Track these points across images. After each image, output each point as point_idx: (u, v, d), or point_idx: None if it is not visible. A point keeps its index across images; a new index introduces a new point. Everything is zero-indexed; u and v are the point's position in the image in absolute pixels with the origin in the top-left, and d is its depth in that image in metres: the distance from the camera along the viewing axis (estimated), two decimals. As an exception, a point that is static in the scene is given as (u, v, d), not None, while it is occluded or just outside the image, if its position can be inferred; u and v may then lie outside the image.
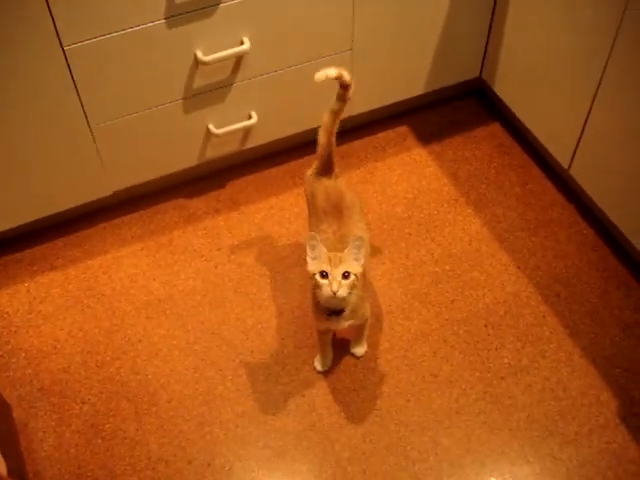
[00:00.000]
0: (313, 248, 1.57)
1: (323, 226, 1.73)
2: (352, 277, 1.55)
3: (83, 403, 1.88)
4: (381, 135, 2.45)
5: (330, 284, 1.54)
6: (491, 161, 2.37)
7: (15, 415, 1.86)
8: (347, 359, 1.93)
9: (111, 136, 2.01)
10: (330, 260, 1.54)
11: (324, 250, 1.56)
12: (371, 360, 1.93)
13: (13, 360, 1.96)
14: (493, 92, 2.41)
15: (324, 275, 1.55)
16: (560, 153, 2.15)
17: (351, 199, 1.78)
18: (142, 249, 2.19)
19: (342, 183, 1.81)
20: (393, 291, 2.05)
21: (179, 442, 1.80)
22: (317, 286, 1.57)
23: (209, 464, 1.77)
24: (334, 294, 1.54)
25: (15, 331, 2.02)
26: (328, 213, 1.74)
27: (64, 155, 1.99)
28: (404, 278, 2.08)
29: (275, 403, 1.86)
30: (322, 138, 1.76)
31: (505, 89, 2.35)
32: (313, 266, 1.57)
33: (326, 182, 1.79)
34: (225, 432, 1.82)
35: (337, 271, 1.53)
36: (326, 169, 1.80)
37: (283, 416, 1.84)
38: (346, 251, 1.56)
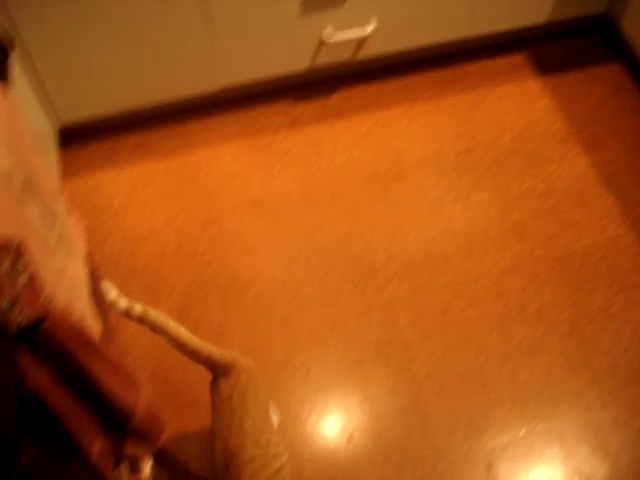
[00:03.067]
0: None
1: None
2: None
3: (174, 286, 1.94)
4: (497, 61, 2.37)
5: None
6: (607, 103, 2.27)
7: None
8: (433, 282, 1.93)
9: (229, 27, 2.00)
10: None
11: None
12: (458, 285, 1.92)
13: (110, 239, 2.03)
14: (619, 30, 2.30)
15: None
16: (685, 101, 2.06)
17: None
18: (244, 148, 2.20)
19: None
20: (489, 221, 2.02)
21: (262, 336, 1.85)
22: None
23: (288, 362, 1.81)
24: None
25: (114, 213, 2.08)
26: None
27: (180, 41, 1.99)
28: (503, 210, 2.05)
29: (358, 313, 1.88)
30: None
31: (632, 28, 2.23)
32: None
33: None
34: (307, 334, 1.85)
35: None
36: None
37: (365, 327, 1.86)
38: None
